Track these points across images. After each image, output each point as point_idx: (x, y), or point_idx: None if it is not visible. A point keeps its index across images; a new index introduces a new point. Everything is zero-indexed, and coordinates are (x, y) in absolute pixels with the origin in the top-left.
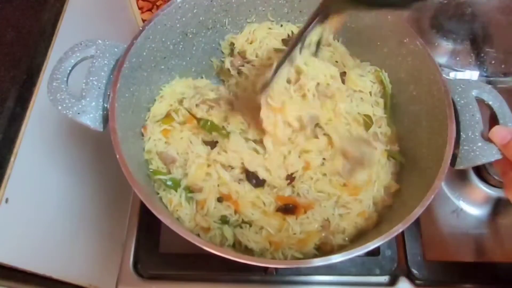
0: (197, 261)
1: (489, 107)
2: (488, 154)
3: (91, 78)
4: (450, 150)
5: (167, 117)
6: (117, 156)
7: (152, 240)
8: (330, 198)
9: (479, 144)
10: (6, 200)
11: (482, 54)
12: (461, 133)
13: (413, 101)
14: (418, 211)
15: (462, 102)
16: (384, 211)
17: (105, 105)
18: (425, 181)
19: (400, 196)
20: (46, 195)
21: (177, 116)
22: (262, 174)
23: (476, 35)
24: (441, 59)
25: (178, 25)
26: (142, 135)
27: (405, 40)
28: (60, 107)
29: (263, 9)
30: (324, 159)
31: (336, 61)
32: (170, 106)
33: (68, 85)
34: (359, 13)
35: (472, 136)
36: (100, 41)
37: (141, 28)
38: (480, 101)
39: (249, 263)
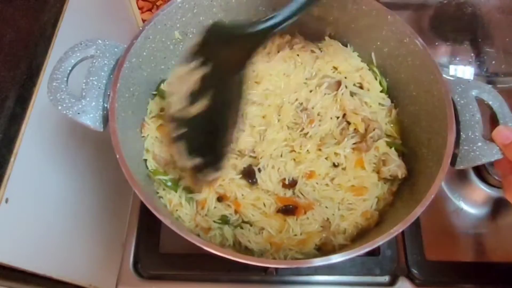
0: (197, 261)
1: (489, 107)
2: (488, 154)
3: (91, 78)
4: (450, 150)
5: (161, 111)
6: (117, 156)
7: (152, 240)
8: (333, 201)
9: (479, 144)
10: (6, 200)
11: (482, 54)
12: (461, 133)
13: (413, 101)
14: (418, 211)
15: (462, 102)
16: (385, 209)
17: (105, 105)
18: (425, 181)
19: (400, 196)
20: (46, 195)
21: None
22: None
23: (476, 35)
24: (441, 59)
25: (178, 25)
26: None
27: (405, 40)
28: (60, 107)
29: (263, 9)
30: (335, 164)
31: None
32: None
33: (68, 85)
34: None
35: (472, 136)
36: (100, 41)
37: (141, 28)
38: (480, 101)
39: (249, 263)
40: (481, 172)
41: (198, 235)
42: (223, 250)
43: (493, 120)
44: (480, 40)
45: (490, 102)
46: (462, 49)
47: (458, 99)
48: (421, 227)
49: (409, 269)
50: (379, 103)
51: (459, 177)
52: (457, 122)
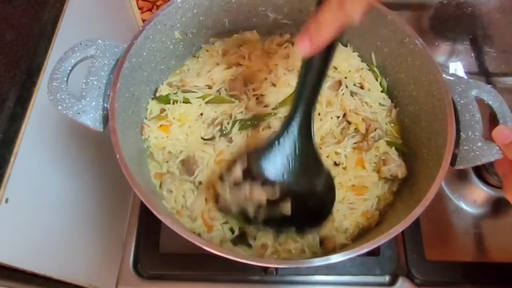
0: (197, 261)
1: (489, 107)
2: (488, 154)
3: (91, 78)
4: (450, 150)
5: (162, 112)
6: (117, 156)
7: (152, 240)
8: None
9: (479, 144)
10: (6, 200)
11: (482, 54)
12: (461, 133)
13: (413, 101)
14: (418, 211)
15: (462, 102)
16: (385, 209)
17: (105, 105)
18: (425, 181)
19: (400, 196)
20: (46, 195)
21: (171, 112)
22: None
23: (476, 35)
24: (441, 59)
25: (178, 25)
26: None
27: (405, 40)
28: (60, 107)
29: (263, 9)
30: (336, 163)
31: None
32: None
33: (68, 85)
34: None
35: (472, 136)
36: (100, 41)
37: (141, 28)
38: (480, 101)
39: (249, 263)
40: (481, 172)
41: (199, 235)
42: (223, 250)
43: (493, 120)
44: (480, 40)
45: (490, 102)
46: (462, 49)
47: (458, 99)
48: (421, 227)
49: (409, 269)
50: (380, 103)
51: (459, 177)
52: (457, 122)
